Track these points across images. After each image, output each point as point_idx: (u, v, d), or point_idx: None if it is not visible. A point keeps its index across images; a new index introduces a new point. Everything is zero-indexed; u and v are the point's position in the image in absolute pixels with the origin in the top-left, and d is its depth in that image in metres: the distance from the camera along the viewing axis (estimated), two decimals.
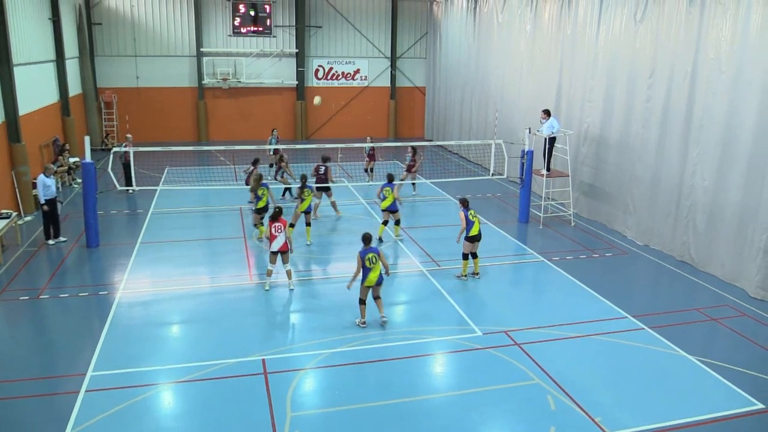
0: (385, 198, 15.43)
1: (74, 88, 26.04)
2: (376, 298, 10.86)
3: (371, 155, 21.78)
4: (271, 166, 22.43)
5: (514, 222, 17.74)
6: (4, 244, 14.57)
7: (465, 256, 13.03)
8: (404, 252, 15.05)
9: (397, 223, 15.91)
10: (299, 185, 15.59)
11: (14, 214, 15.22)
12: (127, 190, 19.50)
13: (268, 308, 11.87)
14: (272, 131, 22.69)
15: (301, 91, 31.97)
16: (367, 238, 10.71)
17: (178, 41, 30.29)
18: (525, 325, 11.12)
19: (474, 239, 12.92)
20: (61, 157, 21.30)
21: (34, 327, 10.98)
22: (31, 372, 9.41)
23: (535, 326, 11.07)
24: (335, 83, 32.93)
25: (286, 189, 19.45)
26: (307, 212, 15.52)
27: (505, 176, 18.86)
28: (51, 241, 15.02)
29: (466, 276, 13.07)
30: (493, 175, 18.63)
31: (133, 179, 17.48)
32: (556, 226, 17.39)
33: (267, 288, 12.36)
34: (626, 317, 11.52)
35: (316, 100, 24.00)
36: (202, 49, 30.46)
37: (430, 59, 32.58)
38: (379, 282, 10.74)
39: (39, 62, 21.43)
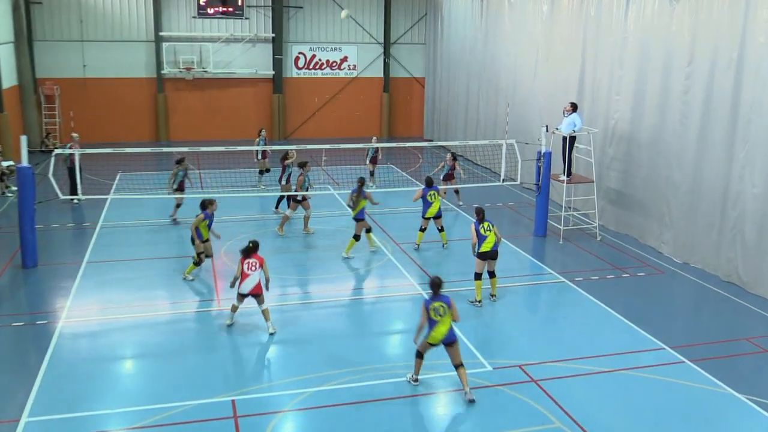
0: (430, 204, 16.21)
1: (8, 78, 25.98)
2: (458, 366, 9.89)
3: (374, 158, 22.16)
4: (260, 172, 22.40)
5: (529, 236, 17.75)
6: None
7: (477, 276, 12.95)
8: (398, 271, 15.00)
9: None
10: (354, 189, 15.85)
11: None
12: (72, 199, 19.38)
13: (238, 339, 11.77)
14: (260, 132, 22.66)
15: (278, 82, 32.05)
16: (435, 284, 9.98)
17: (134, 24, 30.33)
18: (543, 358, 11.07)
19: (485, 256, 12.87)
20: None
21: None
22: None
23: (555, 360, 11.02)
24: (318, 73, 33.04)
25: (281, 198, 19.31)
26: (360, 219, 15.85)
27: (518, 182, 18.89)
28: None
29: (480, 301, 13.00)
30: (504, 180, 18.65)
31: (79, 187, 17.38)
32: (578, 240, 17.40)
33: (229, 323, 12.12)
34: (663, 348, 11.49)
35: (344, 13, 24.53)
36: (161, 33, 30.50)
37: (430, 45, 32.73)
38: (451, 340, 9.84)
39: None
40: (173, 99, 31.30)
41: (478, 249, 12.80)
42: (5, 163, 21.81)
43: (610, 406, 9.77)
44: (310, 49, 32.77)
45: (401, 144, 22.34)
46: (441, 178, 20.61)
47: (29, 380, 10.19)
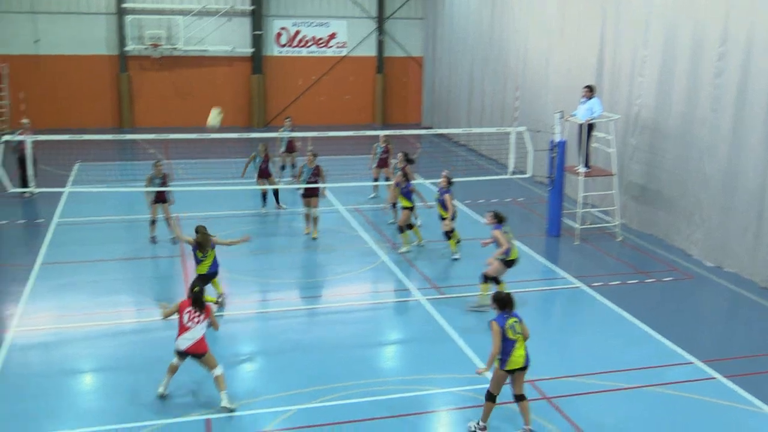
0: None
1: None
2: (519, 398, 9.40)
3: (384, 159, 20.47)
4: (283, 168, 22.17)
5: (541, 235, 17.79)
6: None
7: (488, 279, 13.10)
8: (393, 275, 15.02)
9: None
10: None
11: None
12: (23, 192, 19.32)
13: (212, 350, 11.72)
14: (285, 120, 22.46)
15: (258, 61, 32.04)
16: (506, 300, 9.35)
17: None
18: (556, 372, 11.08)
19: (513, 264, 13.11)
20: None
21: None
22: None
23: (570, 374, 11.04)
24: (303, 52, 33.03)
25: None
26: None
27: (528, 175, 18.92)
28: None
29: (487, 306, 12.71)
30: (513, 173, 18.67)
31: (31, 178, 17.33)
32: (596, 240, 17.45)
33: (162, 392, 10.22)
34: (692, 363, 11.52)
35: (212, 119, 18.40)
36: (124, 5, 30.44)
37: (430, 21, 32.74)
38: (526, 365, 9.43)
39: None
40: (138, 80, 31.23)
41: (507, 256, 12.91)
42: None
43: (632, 426, 9.77)
44: (294, 24, 32.75)
45: (397, 132, 22.30)
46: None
47: None
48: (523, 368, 9.38)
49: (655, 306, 13.76)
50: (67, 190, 19.85)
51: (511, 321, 9.28)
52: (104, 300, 13.52)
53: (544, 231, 17.95)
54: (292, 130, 21.77)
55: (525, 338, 9.42)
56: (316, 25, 32.96)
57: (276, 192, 19.54)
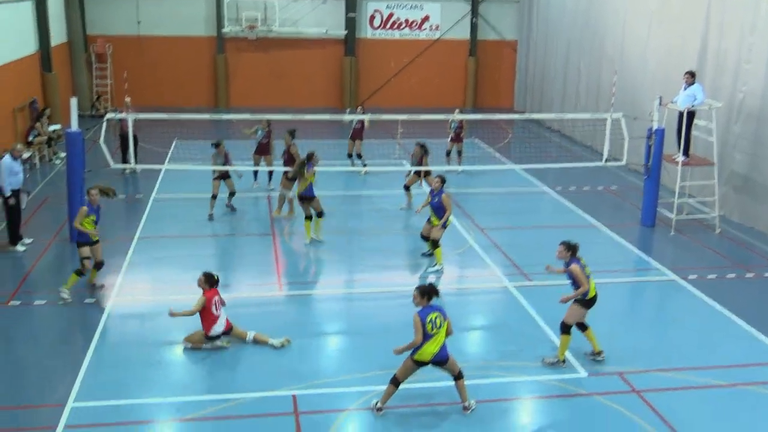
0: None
1: (58, 35, 26.95)
2: (457, 377, 9.52)
3: (458, 134, 21.45)
4: (349, 156, 21.43)
5: (634, 225, 17.46)
6: None
7: (568, 329, 10.83)
8: (482, 260, 14.94)
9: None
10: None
11: None
12: (124, 169, 20.02)
13: (300, 328, 11.97)
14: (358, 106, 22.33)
15: (350, 44, 32.21)
16: (430, 291, 9.47)
17: None
18: (647, 365, 10.88)
19: (593, 302, 10.84)
20: (38, 124, 22.05)
21: (1, 342, 11.36)
22: None
23: (662, 368, 10.82)
24: (396, 34, 33.02)
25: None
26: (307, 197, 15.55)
27: (623, 163, 18.48)
28: (20, 247, 14.96)
29: (564, 361, 10.91)
30: (607, 161, 18.28)
31: (132, 156, 17.88)
32: (693, 232, 17.02)
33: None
34: None
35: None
36: None
37: (525, 3, 32.27)
38: (443, 358, 9.40)
39: (11, 0, 22.21)
40: (234, 61, 31.85)
41: (587, 295, 10.66)
42: (52, 127, 22.65)
43: (727, 425, 9.53)
44: (388, 7, 32.75)
45: (488, 116, 22.14)
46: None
47: (76, 363, 10.62)
48: (437, 363, 9.35)
49: (753, 302, 13.32)
50: (164, 167, 20.43)
51: (433, 315, 9.27)
52: (196, 274, 13.72)
53: (638, 221, 17.58)
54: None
55: (447, 334, 9.36)
56: (409, 8, 32.86)
57: (270, 173, 19.32)
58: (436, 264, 14.45)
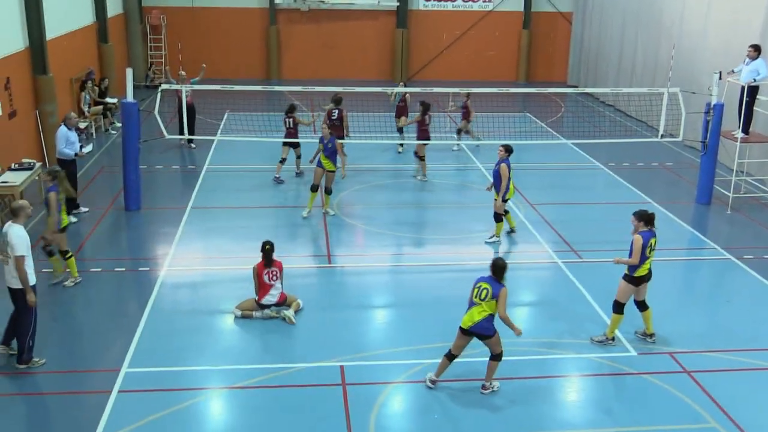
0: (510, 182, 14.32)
1: (114, 6, 27.32)
2: (493, 357, 9.43)
3: (466, 108, 20.79)
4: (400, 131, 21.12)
5: (689, 203, 17.19)
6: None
7: (620, 308, 10.60)
8: (533, 236, 14.85)
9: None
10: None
11: (38, 164, 16.15)
12: (180, 140, 20.25)
13: (349, 299, 12.11)
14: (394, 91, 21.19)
15: (402, 16, 31.99)
16: (496, 266, 9.29)
17: None
18: (699, 346, 10.76)
19: (642, 280, 10.54)
20: (91, 91, 22.22)
21: (59, 308, 11.69)
22: (53, 363, 10.04)
23: (714, 349, 10.68)
24: (449, 6, 32.68)
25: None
26: None
27: (680, 139, 18.14)
28: (72, 218, 14.41)
29: (613, 339, 10.75)
30: (662, 137, 17.96)
31: (186, 128, 18.07)
32: (751, 211, 16.69)
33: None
34: None
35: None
36: None
37: None
38: (482, 332, 9.26)
39: None
40: (286, 32, 31.91)
41: (634, 271, 10.42)
42: (110, 100, 23.01)
43: None
44: None
45: (541, 90, 21.89)
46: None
47: (130, 329, 10.89)
48: (482, 337, 9.30)
49: None
50: (216, 138, 20.66)
51: (484, 285, 9.26)
52: (248, 245, 13.95)
53: (693, 198, 17.25)
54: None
55: (497, 313, 9.23)
56: None
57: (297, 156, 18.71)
58: (493, 236, 14.48)
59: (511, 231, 14.92)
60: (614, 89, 24.95)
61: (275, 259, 11.38)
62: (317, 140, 16.03)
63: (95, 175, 18.28)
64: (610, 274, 11.93)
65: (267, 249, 11.31)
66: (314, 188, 15.66)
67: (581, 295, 12.34)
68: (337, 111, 18.33)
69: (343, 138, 17.77)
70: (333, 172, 15.61)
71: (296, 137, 17.98)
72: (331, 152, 15.50)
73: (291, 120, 17.82)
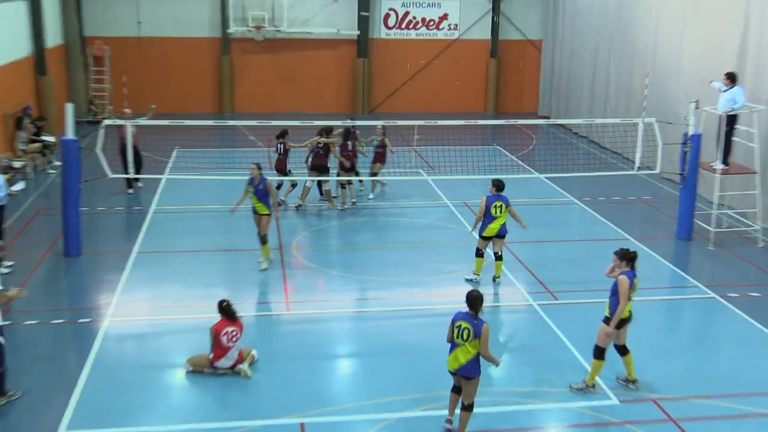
0: (494, 219, 14.10)
1: (53, 37, 27.08)
2: (464, 407, 9.45)
3: (380, 152, 19.84)
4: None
5: (669, 238, 17.34)
6: None
7: (601, 353, 10.60)
8: (506, 276, 14.82)
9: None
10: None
11: None
12: (129, 185, 19.87)
13: (309, 349, 11.92)
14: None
15: (363, 45, 32.21)
16: (472, 299, 9.30)
17: None
18: (684, 392, 10.75)
19: (623, 323, 10.56)
20: (30, 126, 21.88)
21: None
22: None
23: (701, 395, 10.68)
24: (412, 34, 33.03)
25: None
26: None
27: (657, 171, 18.36)
28: (3, 269, 13.88)
29: (594, 386, 10.72)
30: (639, 169, 18.17)
31: (131, 168, 17.72)
32: (734, 246, 16.88)
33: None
34: None
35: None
36: None
37: (550, 0, 32.19)
38: (467, 374, 9.28)
39: (3, 0, 22.34)
40: (240, 63, 31.90)
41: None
42: (48, 138, 22.66)
43: None
44: (403, 5, 32.75)
45: (511, 122, 22.03)
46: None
47: (68, 387, 10.58)
48: (466, 378, 9.25)
49: None
50: (165, 176, 20.47)
51: (464, 324, 9.16)
52: (200, 292, 13.84)
53: (673, 234, 17.41)
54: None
55: (480, 353, 9.21)
56: (426, 6, 32.84)
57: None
58: (474, 273, 14.49)
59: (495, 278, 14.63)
60: (587, 120, 25.27)
61: (236, 318, 11.10)
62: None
63: (31, 218, 17.93)
64: (588, 317, 12.00)
65: (225, 307, 11.06)
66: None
67: (559, 339, 12.29)
68: (281, 144, 18.47)
69: (285, 172, 18.41)
70: (268, 215, 15.08)
71: (285, 164, 18.37)
72: (263, 194, 14.98)
73: (282, 145, 18.23)
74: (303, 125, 18.34)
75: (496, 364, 9.33)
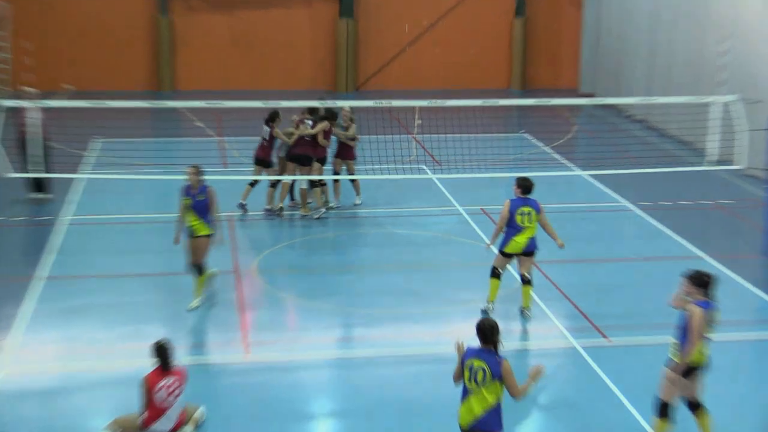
0: (520, 230, 14.12)
1: None
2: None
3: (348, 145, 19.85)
4: None
5: (755, 256, 17.42)
6: None
7: (665, 409, 10.52)
8: (537, 307, 14.77)
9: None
10: None
11: None
12: (38, 188, 19.71)
13: (274, 406, 11.81)
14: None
15: (347, 2, 32.14)
16: (484, 330, 9.18)
17: None
18: None
19: (695, 370, 10.41)
20: None
21: None
22: None
23: None
24: None
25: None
26: None
27: (740, 166, 18.34)
28: None
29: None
30: (715, 163, 18.12)
31: (40, 162, 17.64)
32: None
33: None
34: None
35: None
36: None
37: None
38: (483, 428, 9.15)
39: None
40: (183, 26, 31.93)
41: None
42: None
43: None
44: None
45: (543, 101, 21.95)
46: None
47: None
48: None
49: None
50: (82, 176, 20.33)
51: (476, 363, 8.96)
52: (127, 331, 13.73)
53: (759, 250, 17.41)
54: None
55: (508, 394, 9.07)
56: None
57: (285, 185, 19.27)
58: (488, 301, 14.34)
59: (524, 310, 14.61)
60: (644, 99, 25.20)
61: (176, 366, 10.80)
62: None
63: None
64: (648, 362, 11.94)
65: (161, 350, 10.63)
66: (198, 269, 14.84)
67: (609, 392, 12.21)
68: (269, 130, 18.49)
69: (268, 164, 18.42)
70: (207, 237, 14.52)
71: (269, 154, 18.50)
72: (202, 209, 14.38)
73: (269, 131, 18.34)
74: (266, 107, 18.21)
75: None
